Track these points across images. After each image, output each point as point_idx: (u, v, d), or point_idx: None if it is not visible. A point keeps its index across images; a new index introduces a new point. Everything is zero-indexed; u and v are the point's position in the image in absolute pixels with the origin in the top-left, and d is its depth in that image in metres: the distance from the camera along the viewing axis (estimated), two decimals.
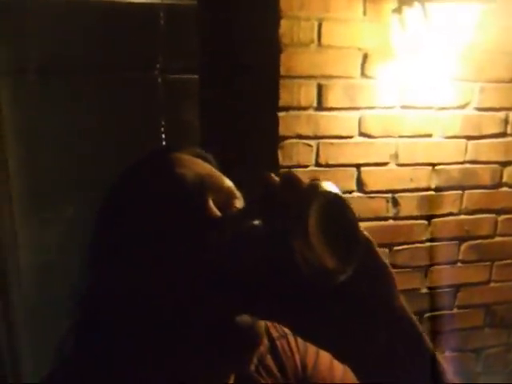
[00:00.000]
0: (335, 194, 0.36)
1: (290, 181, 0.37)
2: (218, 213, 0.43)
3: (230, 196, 0.47)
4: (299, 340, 0.60)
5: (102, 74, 1.50)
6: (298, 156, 1.42)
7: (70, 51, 1.45)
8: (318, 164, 1.44)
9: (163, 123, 1.56)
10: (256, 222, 0.37)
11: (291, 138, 1.41)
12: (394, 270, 1.44)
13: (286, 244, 0.33)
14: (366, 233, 0.39)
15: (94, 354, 0.46)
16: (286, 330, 0.60)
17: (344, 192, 1.39)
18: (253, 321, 0.43)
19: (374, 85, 1.43)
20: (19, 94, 1.46)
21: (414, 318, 0.41)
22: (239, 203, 0.47)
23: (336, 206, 0.36)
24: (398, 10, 1.37)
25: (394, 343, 0.39)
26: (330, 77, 1.40)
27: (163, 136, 1.57)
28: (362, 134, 1.45)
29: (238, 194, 0.48)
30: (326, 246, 0.34)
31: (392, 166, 1.49)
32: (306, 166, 1.43)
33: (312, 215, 0.33)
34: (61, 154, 1.56)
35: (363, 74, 1.42)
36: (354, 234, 0.37)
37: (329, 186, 0.36)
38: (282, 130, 1.40)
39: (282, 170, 1.42)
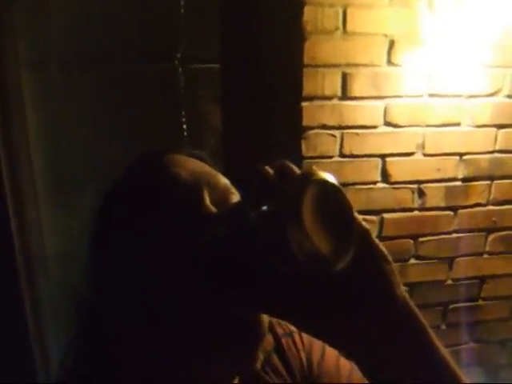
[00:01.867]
0: (330, 182, 0.35)
1: (284, 170, 0.37)
2: (213, 209, 0.43)
3: (227, 193, 0.46)
4: (305, 337, 0.59)
5: (122, 65, 1.49)
6: (321, 146, 1.40)
7: (91, 42, 1.43)
8: (342, 155, 1.41)
9: (184, 113, 1.54)
10: (250, 215, 0.36)
11: (315, 128, 1.38)
12: (418, 262, 1.42)
13: (281, 232, 0.33)
14: (363, 222, 0.38)
15: (96, 361, 0.47)
16: (292, 328, 0.59)
17: (369, 183, 1.35)
18: (255, 315, 0.42)
19: (401, 73, 1.38)
20: (41, 86, 1.45)
21: (417, 310, 0.39)
22: (236, 200, 0.47)
23: (331, 194, 0.35)
24: None
25: (394, 337, 0.38)
26: (355, 65, 1.36)
27: (184, 126, 1.55)
28: (387, 124, 1.42)
29: (234, 190, 0.47)
30: (322, 234, 0.33)
31: (418, 156, 1.46)
32: (330, 157, 1.41)
33: (306, 202, 0.33)
34: (83, 145, 1.57)
35: (389, 62, 1.38)
36: (349, 222, 0.36)
37: (324, 174, 0.35)
38: (306, 120, 1.38)
39: (306, 161, 1.40)
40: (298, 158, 1.39)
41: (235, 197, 0.47)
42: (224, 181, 0.48)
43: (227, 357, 0.42)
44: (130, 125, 1.55)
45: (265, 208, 0.35)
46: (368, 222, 1.45)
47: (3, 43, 1.31)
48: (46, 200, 1.56)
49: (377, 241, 0.39)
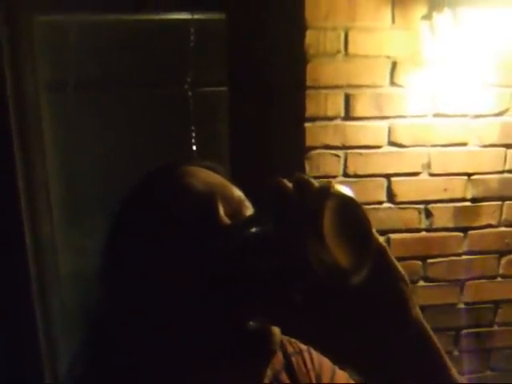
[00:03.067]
0: (348, 196, 0.35)
1: (302, 183, 0.36)
2: (227, 220, 0.43)
3: (241, 205, 0.47)
4: (315, 357, 0.59)
5: (135, 90, 1.56)
6: (325, 167, 1.41)
7: (106, 67, 1.51)
8: (346, 174, 1.42)
9: (194, 135, 1.59)
10: (267, 227, 0.36)
11: (318, 148, 1.40)
12: (428, 284, 1.39)
13: (300, 245, 0.33)
14: (379, 239, 0.38)
15: (103, 369, 0.47)
16: (302, 347, 0.59)
17: (374, 203, 1.35)
18: (267, 329, 0.42)
19: (404, 93, 1.39)
20: (58, 109, 1.54)
21: (432, 332, 0.39)
22: (249, 213, 0.47)
23: (349, 207, 0.35)
24: (427, 17, 1.34)
25: (408, 357, 0.38)
26: (358, 86, 1.38)
27: (194, 147, 1.60)
28: (391, 144, 1.42)
29: (248, 203, 0.48)
30: (340, 247, 0.33)
31: (424, 175, 1.45)
32: (334, 177, 1.42)
33: (326, 215, 0.33)
34: (97, 166, 1.63)
35: (392, 83, 1.39)
36: (367, 236, 0.36)
37: (342, 188, 0.35)
38: (309, 141, 1.40)
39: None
40: None
41: (249, 209, 0.47)
42: (238, 193, 0.48)
43: (237, 368, 0.43)
44: (143, 145, 1.62)
45: (282, 221, 0.35)
46: None
47: (23, 68, 1.39)
48: (61, 219, 1.62)
49: (394, 260, 0.39)
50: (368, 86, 1.39)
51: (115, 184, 1.61)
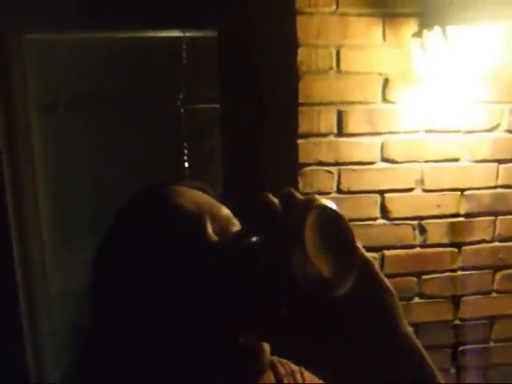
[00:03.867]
0: (331, 209, 0.36)
1: (287, 196, 0.37)
2: (215, 238, 0.44)
3: (228, 223, 0.47)
4: (307, 378, 0.58)
5: (127, 106, 1.55)
6: (318, 183, 1.40)
7: (97, 85, 1.51)
8: (339, 191, 1.41)
9: (186, 152, 1.58)
10: (253, 241, 0.37)
11: (311, 164, 1.40)
12: (423, 300, 1.37)
13: (285, 257, 0.33)
14: (364, 252, 0.38)
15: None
16: (294, 368, 0.59)
17: (368, 219, 1.34)
18: (257, 345, 0.43)
19: (396, 109, 1.40)
20: (49, 127, 1.52)
21: (419, 344, 0.38)
22: (235, 229, 0.48)
23: (332, 220, 0.36)
24: (418, 34, 1.35)
25: (396, 370, 0.37)
26: (350, 103, 1.39)
27: (186, 164, 1.59)
28: (384, 160, 1.42)
29: (235, 221, 0.48)
30: (324, 258, 0.34)
31: (418, 191, 1.44)
32: (328, 193, 1.41)
33: (308, 228, 0.33)
34: (88, 183, 1.61)
35: (384, 99, 1.39)
36: (350, 248, 0.36)
37: (326, 201, 0.36)
38: (302, 157, 1.39)
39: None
40: None
41: (236, 227, 0.48)
42: (226, 211, 0.49)
43: (228, 382, 0.43)
44: (135, 162, 1.60)
45: (268, 234, 0.35)
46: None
47: (13, 86, 1.38)
48: (51, 236, 1.59)
49: (379, 272, 0.39)
50: (360, 103, 1.39)
51: (106, 201, 1.59)
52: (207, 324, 0.41)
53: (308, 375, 0.58)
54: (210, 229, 0.45)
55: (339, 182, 1.41)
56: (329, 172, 1.40)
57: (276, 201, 0.37)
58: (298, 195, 0.37)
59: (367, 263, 0.38)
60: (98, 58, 1.48)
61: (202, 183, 0.53)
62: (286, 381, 0.57)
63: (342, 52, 1.36)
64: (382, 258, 1.45)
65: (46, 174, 1.54)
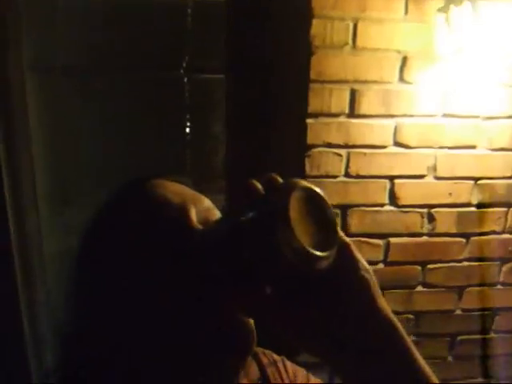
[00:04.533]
0: (313, 189, 0.38)
1: (271, 181, 0.39)
2: (200, 227, 0.45)
3: (210, 213, 0.48)
4: (289, 367, 0.60)
5: (127, 73, 1.46)
6: (326, 166, 1.34)
7: (96, 50, 1.41)
8: (347, 175, 1.35)
9: (188, 124, 1.50)
10: (239, 222, 0.38)
11: (320, 146, 1.32)
12: (426, 289, 1.33)
13: (270, 234, 0.35)
14: (343, 234, 0.41)
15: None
16: (276, 358, 0.61)
17: (375, 205, 1.27)
18: (246, 326, 0.45)
19: (413, 91, 1.31)
20: (45, 91, 1.44)
21: (397, 320, 0.40)
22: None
23: (315, 199, 0.38)
24: (444, 9, 1.24)
25: (374, 346, 0.39)
26: (365, 81, 1.30)
27: (188, 136, 1.52)
28: (397, 144, 1.35)
29: (217, 212, 0.50)
30: (307, 234, 0.36)
31: (429, 178, 1.38)
32: (335, 177, 1.35)
33: (292, 206, 0.36)
34: (86, 149, 1.55)
35: (401, 79, 1.30)
36: (331, 225, 0.39)
37: (309, 184, 0.39)
38: (311, 138, 1.32)
39: (309, 180, 1.34)
40: (302, 177, 1.33)
41: (216, 216, 0.49)
42: (207, 202, 0.50)
43: (214, 363, 0.44)
44: (134, 132, 1.53)
45: (253, 214, 0.37)
46: (373, 246, 1.39)
47: (9, 51, 1.29)
48: (47, 208, 1.55)
49: (358, 254, 0.41)
50: (375, 82, 1.30)
51: (105, 170, 1.54)
52: (198, 307, 0.42)
53: (290, 364, 0.60)
54: (194, 217, 0.46)
55: (348, 166, 1.34)
56: (338, 154, 1.33)
57: (259, 186, 0.39)
58: (280, 179, 0.39)
59: (346, 245, 0.40)
60: (98, 22, 1.38)
61: (182, 177, 0.53)
62: (269, 371, 0.58)
63: (360, 26, 1.26)
64: (387, 246, 1.40)
65: (42, 140, 1.47)
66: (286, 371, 0.59)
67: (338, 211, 1.35)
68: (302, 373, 0.60)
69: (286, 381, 0.58)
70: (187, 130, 1.51)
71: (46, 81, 1.45)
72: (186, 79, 1.48)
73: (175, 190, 0.49)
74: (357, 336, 0.38)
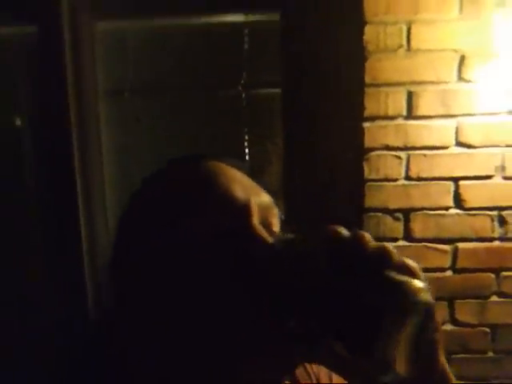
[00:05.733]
0: (431, 307, 0.33)
1: (359, 241, 0.35)
2: (263, 231, 0.40)
3: (269, 213, 0.43)
4: (313, 366, 0.57)
5: (189, 92, 1.56)
6: (385, 169, 1.32)
7: (161, 72, 1.53)
8: (408, 177, 1.32)
9: (247, 137, 1.56)
10: (318, 262, 0.34)
11: (378, 149, 1.32)
12: (502, 300, 1.24)
13: (369, 334, 0.31)
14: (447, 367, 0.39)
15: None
16: (309, 369, 0.57)
17: (439, 208, 1.23)
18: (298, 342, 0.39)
19: (474, 89, 1.28)
20: (115, 112, 1.57)
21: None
22: (276, 220, 0.44)
23: (424, 319, 0.33)
24: (501, 4, 1.23)
25: None
26: (422, 82, 1.29)
27: (247, 149, 1.57)
28: (459, 144, 1.31)
29: (275, 210, 0.44)
30: (403, 356, 0.32)
31: (498, 179, 1.32)
32: (395, 180, 1.32)
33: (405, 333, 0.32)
34: (151, 166, 1.64)
35: (460, 78, 1.28)
36: (434, 359, 0.37)
37: (425, 290, 0.33)
38: (368, 142, 1.32)
39: (369, 184, 1.33)
40: (361, 181, 1.33)
41: (275, 216, 0.44)
42: (268, 198, 0.44)
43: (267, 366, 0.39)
44: (197, 147, 1.61)
45: (346, 274, 0.33)
46: (440, 252, 1.32)
47: (84, 73, 1.43)
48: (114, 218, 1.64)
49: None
50: (432, 83, 1.29)
51: None
52: (241, 316, 0.37)
53: (324, 375, 0.56)
54: (256, 220, 0.40)
55: (408, 168, 1.32)
56: (397, 157, 1.32)
57: (346, 237, 0.35)
58: (370, 239, 0.35)
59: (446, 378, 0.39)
60: (163, 45, 1.50)
61: (240, 161, 0.47)
62: (297, 371, 0.54)
63: (413, 28, 1.27)
64: (455, 251, 1.33)
65: (112, 158, 1.59)
66: (313, 371, 0.57)
67: (400, 215, 1.32)
68: (324, 372, 0.57)
69: (314, 381, 0.56)
70: (245, 142, 1.57)
71: (115, 103, 1.58)
72: (243, 95, 1.55)
73: (237, 179, 0.43)
74: None
